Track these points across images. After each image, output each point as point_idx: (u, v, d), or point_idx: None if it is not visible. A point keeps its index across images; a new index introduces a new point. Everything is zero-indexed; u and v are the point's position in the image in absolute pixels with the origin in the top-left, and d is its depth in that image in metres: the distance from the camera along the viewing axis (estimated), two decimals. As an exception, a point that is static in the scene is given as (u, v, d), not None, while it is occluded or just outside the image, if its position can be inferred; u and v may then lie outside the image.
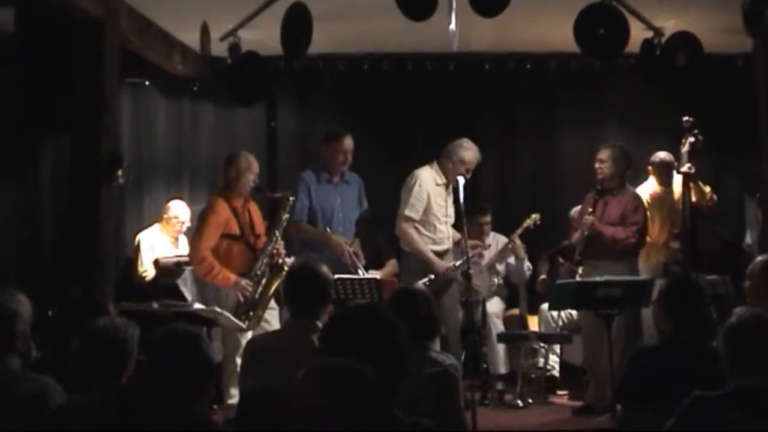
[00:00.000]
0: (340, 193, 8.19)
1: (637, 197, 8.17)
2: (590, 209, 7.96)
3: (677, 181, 8.65)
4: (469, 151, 8.22)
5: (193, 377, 3.78)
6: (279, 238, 7.66)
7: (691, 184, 8.51)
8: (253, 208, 7.88)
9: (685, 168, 8.45)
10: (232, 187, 7.72)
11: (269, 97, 10.27)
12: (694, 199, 8.52)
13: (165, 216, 9.47)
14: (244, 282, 7.48)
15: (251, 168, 7.74)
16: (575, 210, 8.51)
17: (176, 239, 9.46)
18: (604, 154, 8.06)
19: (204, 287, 7.81)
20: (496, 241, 9.07)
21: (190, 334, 3.88)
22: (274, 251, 7.64)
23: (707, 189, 8.75)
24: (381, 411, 2.87)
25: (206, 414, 3.83)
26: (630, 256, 8.00)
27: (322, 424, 2.77)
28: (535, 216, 8.90)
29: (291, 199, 7.76)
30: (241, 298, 7.46)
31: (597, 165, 8.06)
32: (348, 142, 8.13)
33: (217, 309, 7.21)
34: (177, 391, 3.69)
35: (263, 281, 7.55)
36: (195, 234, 7.76)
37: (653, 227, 8.58)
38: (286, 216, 7.71)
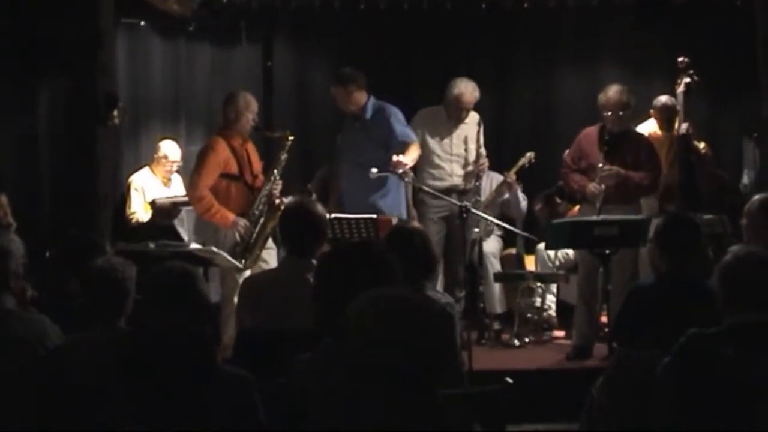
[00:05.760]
0: (356, 132, 8.15)
1: (647, 140, 8.04)
2: (603, 158, 7.69)
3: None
4: (457, 89, 8.38)
5: (190, 315, 3.79)
6: (278, 177, 7.64)
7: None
8: (251, 148, 7.84)
9: (683, 129, 8.30)
10: (231, 127, 7.66)
11: (265, 36, 10.21)
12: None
13: (155, 156, 9.36)
14: (242, 222, 7.48)
15: (250, 107, 7.68)
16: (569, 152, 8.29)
17: (168, 180, 9.36)
18: (614, 101, 7.67)
19: (202, 227, 7.80)
20: (491, 179, 9.02)
21: (185, 272, 3.89)
22: (272, 191, 7.63)
23: (702, 145, 8.69)
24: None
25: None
26: (638, 199, 7.93)
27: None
28: (530, 154, 8.84)
29: (290, 138, 7.73)
30: (238, 238, 7.46)
31: (608, 113, 7.68)
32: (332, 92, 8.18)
33: (214, 249, 7.20)
34: (174, 329, 3.70)
35: (261, 221, 7.55)
36: (194, 172, 7.71)
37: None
38: (285, 156, 7.68)
